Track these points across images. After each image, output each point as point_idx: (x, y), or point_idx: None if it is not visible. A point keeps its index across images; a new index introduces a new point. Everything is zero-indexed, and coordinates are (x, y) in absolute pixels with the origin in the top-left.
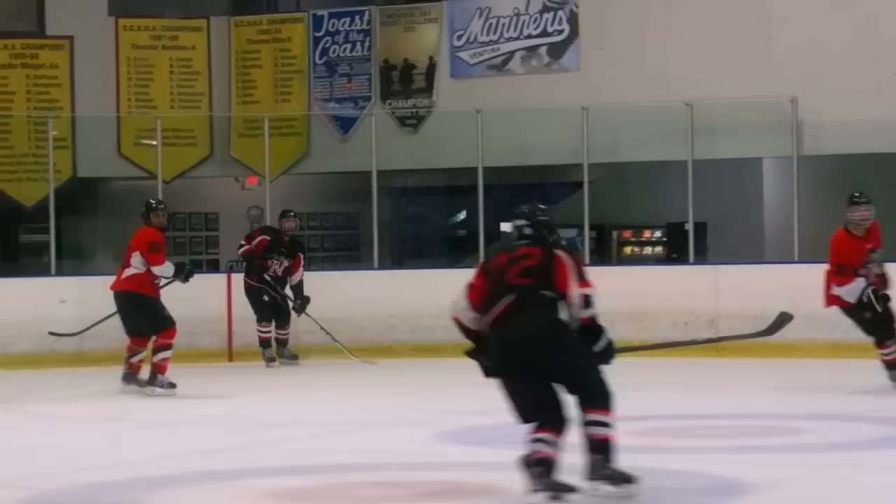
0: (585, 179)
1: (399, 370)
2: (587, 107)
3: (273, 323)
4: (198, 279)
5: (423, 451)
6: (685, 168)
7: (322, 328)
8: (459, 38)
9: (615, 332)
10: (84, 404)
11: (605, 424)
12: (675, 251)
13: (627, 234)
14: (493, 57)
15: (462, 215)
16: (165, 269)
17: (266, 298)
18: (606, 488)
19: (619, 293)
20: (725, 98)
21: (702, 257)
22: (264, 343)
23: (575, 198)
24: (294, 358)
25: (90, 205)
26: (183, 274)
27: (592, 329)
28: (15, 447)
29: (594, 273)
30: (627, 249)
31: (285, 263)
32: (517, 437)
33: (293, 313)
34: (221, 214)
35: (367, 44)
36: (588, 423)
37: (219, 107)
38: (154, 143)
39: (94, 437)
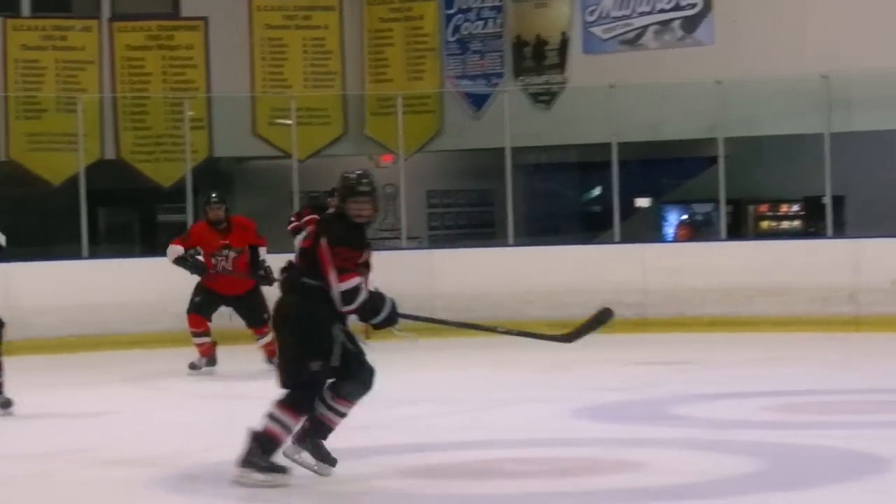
0: (721, 154)
1: (535, 347)
2: (722, 81)
3: None
4: None
5: (560, 427)
6: (822, 141)
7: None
8: (592, 13)
9: (753, 307)
10: (222, 383)
11: (274, 419)
12: (812, 225)
13: (764, 208)
14: (626, 32)
15: (596, 191)
16: (168, 252)
17: None
18: (256, 476)
19: (756, 268)
20: (863, 69)
21: (840, 231)
22: None
23: (710, 173)
24: None
25: (226, 184)
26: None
27: (364, 313)
28: (155, 424)
29: (731, 248)
30: (764, 224)
31: None
32: (653, 413)
33: None
34: None
35: (498, 20)
36: (266, 414)
37: (352, 85)
38: (289, 122)
39: (231, 416)
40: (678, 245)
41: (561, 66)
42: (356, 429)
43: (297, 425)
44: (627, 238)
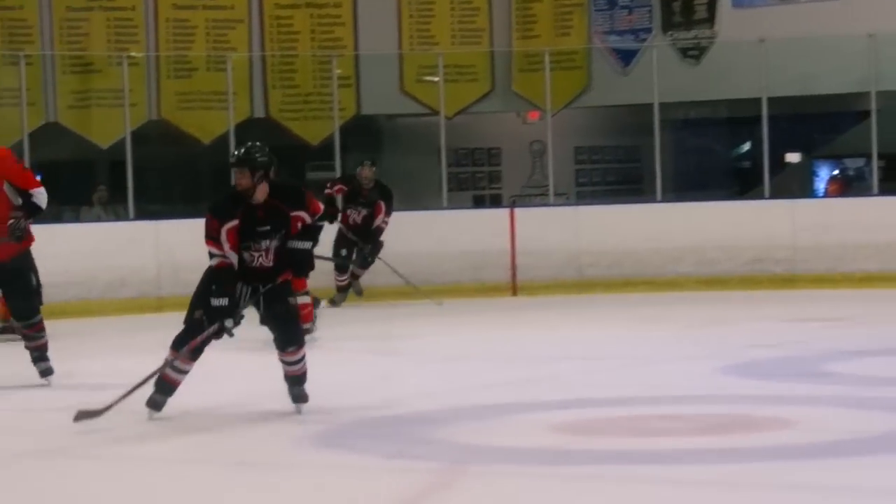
0: (873, 108)
1: (684, 303)
2: (874, 34)
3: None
4: (482, 214)
5: (710, 384)
6: None
7: (395, 271)
8: None
9: None
10: (370, 339)
11: (165, 360)
12: None
13: None
14: None
15: (746, 146)
16: None
17: (344, 253)
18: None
19: None
20: None
21: None
22: (338, 288)
23: (862, 127)
24: (359, 293)
25: (374, 141)
26: None
27: None
28: (314, 382)
29: (883, 203)
30: None
31: (363, 213)
32: (804, 370)
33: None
34: (503, 149)
35: None
36: None
37: (499, 42)
38: (436, 79)
39: (382, 372)
40: (829, 201)
41: (710, 20)
42: (507, 385)
43: (184, 365)
44: (777, 194)
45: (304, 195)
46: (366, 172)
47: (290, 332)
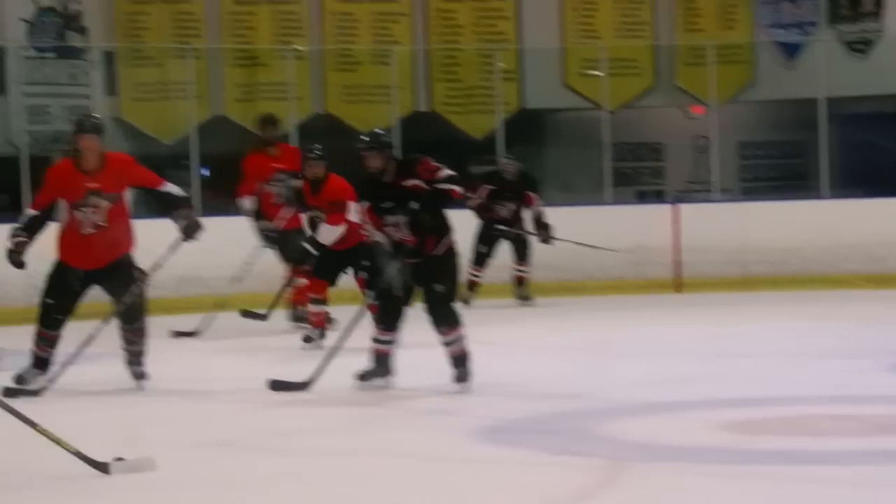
0: None
1: (851, 301)
2: None
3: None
4: (645, 209)
5: (878, 384)
6: None
7: (572, 241)
8: None
9: None
10: (535, 337)
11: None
12: None
13: None
14: None
15: None
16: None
17: (485, 250)
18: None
19: None
20: None
21: None
22: (470, 285)
23: None
24: (526, 299)
25: (537, 136)
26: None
27: None
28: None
29: None
30: None
31: (512, 207)
32: None
33: (536, 248)
34: (667, 145)
35: None
36: None
37: (663, 35)
38: (599, 73)
39: (549, 368)
40: None
41: (877, 13)
42: (673, 382)
43: (382, 335)
44: None
45: (414, 163)
46: (511, 167)
47: (438, 314)
